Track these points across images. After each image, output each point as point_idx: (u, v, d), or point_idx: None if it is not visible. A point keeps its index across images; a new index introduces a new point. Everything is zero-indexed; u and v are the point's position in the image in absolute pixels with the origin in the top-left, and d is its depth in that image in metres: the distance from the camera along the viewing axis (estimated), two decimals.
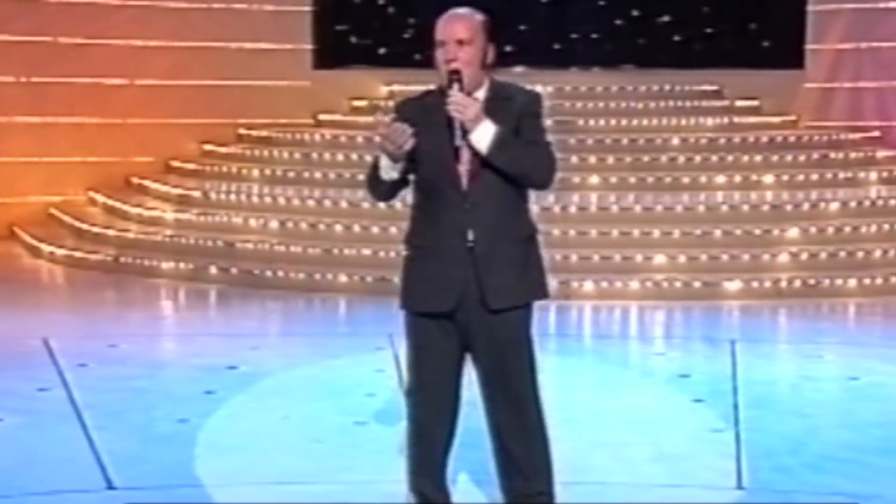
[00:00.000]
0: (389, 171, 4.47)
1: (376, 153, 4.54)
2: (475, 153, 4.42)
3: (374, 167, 4.52)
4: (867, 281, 9.91)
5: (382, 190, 4.54)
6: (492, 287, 4.45)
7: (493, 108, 4.45)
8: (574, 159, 11.81)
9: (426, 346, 4.56)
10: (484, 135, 4.39)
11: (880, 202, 11.10)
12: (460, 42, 4.47)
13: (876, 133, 12.81)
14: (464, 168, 4.45)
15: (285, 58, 13.51)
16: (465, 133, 4.40)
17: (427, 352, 4.57)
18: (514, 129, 4.43)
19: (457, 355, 4.56)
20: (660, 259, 10.16)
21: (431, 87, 4.70)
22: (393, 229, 10.70)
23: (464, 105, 4.39)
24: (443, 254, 4.48)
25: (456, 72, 4.45)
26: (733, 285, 9.85)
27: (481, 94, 4.50)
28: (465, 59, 4.45)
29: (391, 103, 13.49)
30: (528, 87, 4.69)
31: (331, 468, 5.76)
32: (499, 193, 4.45)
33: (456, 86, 4.44)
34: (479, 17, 4.54)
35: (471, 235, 4.44)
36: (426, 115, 4.50)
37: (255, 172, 12.29)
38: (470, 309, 4.47)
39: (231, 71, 13.21)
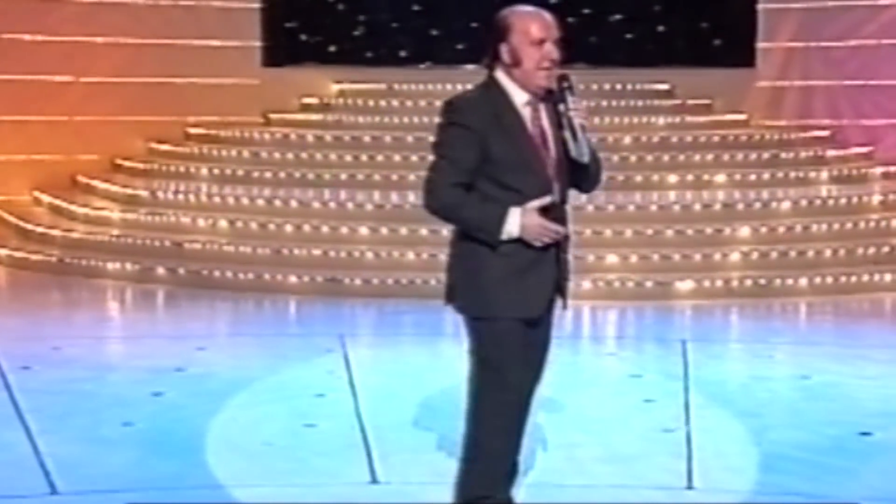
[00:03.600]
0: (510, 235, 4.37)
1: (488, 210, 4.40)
2: (559, 159, 4.41)
3: (480, 218, 4.40)
4: (818, 280, 9.94)
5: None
6: (566, 286, 4.60)
7: (555, 110, 4.42)
8: None
9: (514, 351, 4.50)
10: (584, 141, 4.38)
11: (831, 201, 11.15)
12: (556, 41, 4.38)
13: (826, 132, 12.87)
14: (552, 173, 4.41)
15: (234, 55, 13.38)
16: (574, 138, 4.36)
17: (514, 357, 4.51)
18: None
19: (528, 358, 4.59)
20: (612, 259, 10.14)
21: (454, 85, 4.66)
22: (344, 229, 10.65)
23: (582, 110, 4.36)
24: (535, 259, 4.42)
25: (566, 77, 4.38)
26: (685, 285, 9.85)
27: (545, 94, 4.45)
28: (556, 59, 4.38)
29: (342, 101, 13.46)
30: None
31: (279, 471, 5.68)
32: (567, 195, 4.51)
33: (568, 93, 4.36)
34: None
35: (554, 247, 4.46)
36: (498, 119, 4.37)
37: (204, 171, 12.16)
38: (548, 310, 4.56)
39: (179, 68, 13.06)
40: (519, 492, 5.29)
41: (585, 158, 4.39)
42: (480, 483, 4.61)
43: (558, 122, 4.42)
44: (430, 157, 4.52)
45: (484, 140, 4.35)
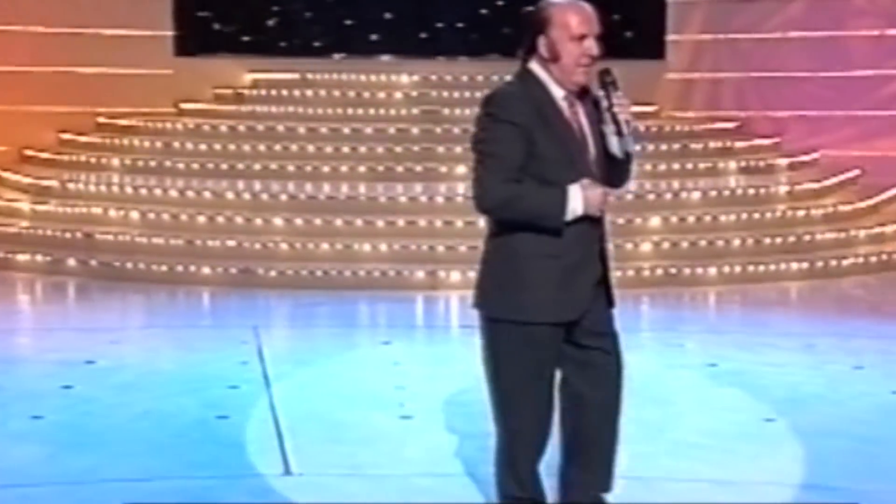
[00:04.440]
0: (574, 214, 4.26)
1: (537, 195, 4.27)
2: (598, 154, 4.34)
3: (540, 203, 4.27)
4: (726, 269, 10.11)
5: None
6: (611, 285, 4.50)
7: (594, 107, 4.37)
8: (440, 149, 11.83)
9: (547, 354, 4.41)
10: (631, 138, 4.30)
11: (739, 192, 11.34)
12: (597, 37, 4.27)
13: (734, 123, 13.09)
14: (594, 168, 4.32)
15: (146, 44, 13.25)
16: (620, 134, 4.28)
17: (540, 362, 4.42)
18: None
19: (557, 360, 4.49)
20: None
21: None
22: (258, 220, 10.60)
23: (627, 105, 4.26)
24: (580, 260, 4.33)
25: (608, 72, 4.28)
26: None
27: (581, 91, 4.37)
28: (595, 55, 4.27)
29: (255, 91, 13.39)
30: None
31: (192, 463, 5.66)
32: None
33: (611, 88, 4.27)
34: None
35: (599, 238, 4.43)
36: (540, 113, 4.25)
37: (115, 162, 12.03)
38: (591, 310, 4.41)
39: (90, 57, 12.90)
40: (435, 481, 5.36)
41: (630, 153, 4.33)
42: (509, 484, 4.62)
43: (598, 117, 4.33)
44: (473, 154, 4.35)
45: (529, 135, 4.21)
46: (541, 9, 4.31)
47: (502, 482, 4.64)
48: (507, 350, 4.42)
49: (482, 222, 11.56)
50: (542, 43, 4.28)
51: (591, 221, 4.34)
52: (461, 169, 11.53)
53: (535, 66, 4.34)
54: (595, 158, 4.34)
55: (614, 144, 4.32)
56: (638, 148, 4.51)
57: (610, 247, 4.59)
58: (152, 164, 11.85)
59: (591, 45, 4.23)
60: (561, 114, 4.28)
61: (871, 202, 11.90)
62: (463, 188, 11.23)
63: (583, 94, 4.36)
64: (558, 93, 4.32)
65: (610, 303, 4.51)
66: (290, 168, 11.53)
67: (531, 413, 4.52)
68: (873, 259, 10.63)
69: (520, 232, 4.33)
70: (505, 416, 4.56)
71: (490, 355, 4.50)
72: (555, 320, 4.35)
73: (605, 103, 4.29)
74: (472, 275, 10.30)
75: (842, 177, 12.31)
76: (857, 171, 12.59)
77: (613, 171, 4.42)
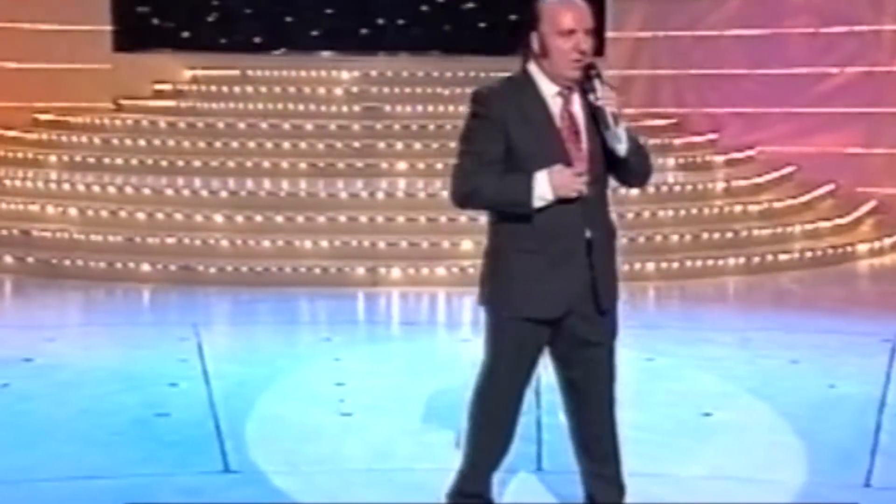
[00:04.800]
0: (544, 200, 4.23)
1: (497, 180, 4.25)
2: (595, 149, 4.27)
3: (504, 190, 4.25)
4: (664, 265, 10.21)
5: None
6: (603, 287, 4.32)
7: (588, 102, 4.29)
8: (381, 145, 11.84)
9: (521, 352, 4.39)
10: (622, 131, 4.24)
11: (677, 188, 11.45)
12: (587, 32, 4.23)
13: (673, 120, 13.21)
14: (582, 166, 4.25)
15: (84, 39, 13.14)
16: (607, 127, 4.22)
17: (519, 357, 4.41)
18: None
19: (538, 359, 4.46)
20: (466, 245, 10.25)
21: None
22: (198, 217, 10.56)
23: (616, 98, 4.22)
24: (559, 256, 4.27)
25: (593, 66, 4.24)
26: None
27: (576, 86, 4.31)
28: (588, 50, 4.23)
29: (195, 87, 13.33)
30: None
31: (131, 461, 5.63)
32: (603, 190, 4.33)
33: (597, 81, 4.22)
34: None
35: (588, 234, 4.28)
36: (521, 110, 4.24)
37: (53, 158, 11.93)
38: (578, 312, 4.31)
39: (27, 52, 12.77)
40: (372, 477, 5.37)
41: (622, 147, 4.26)
42: (466, 479, 4.57)
43: (592, 113, 4.30)
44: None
45: (505, 130, 4.22)
46: (534, 6, 4.33)
47: (463, 478, 4.62)
48: (489, 341, 4.47)
49: (423, 219, 11.64)
50: (534, 39, 4.30)
51: (578, 213, 4.26)
52: (402, 165, 11.57)
53: (531, 63, 4.36)
54: (591, 153, 4.30)
55: (608, 139, 4.31)
56: (641, 141, 4.43)
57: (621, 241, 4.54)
58: (91, 160, 11.77)
59: (581, 40, 4.22)
60: (546, 110, 4.28)
61: (806, 198, 12.08)
62: (403, 184, 11.25)
63: (585, 89, 4.32)
64: (550, 89, 4.31)
65: (598, 307, 4.34)
66: (231, 164, 11.49)
67: (503, 411, 4.53)
68: (809, 254, 10.79)
69: (504, 226, 4.35)
70: (481, 410, 4.55)
71: (484, 346, 4.55)
72: (530, 315, 4.32)
73: (591, 97, 4.29)
74: (413, 271, 10.44)
75: (778, 173, 12.48)
76: (793, 168, 12.77)
77: (618, 168, 4.36)
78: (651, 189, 11.27)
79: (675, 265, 10.23)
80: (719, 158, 12.55)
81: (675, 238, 10.58)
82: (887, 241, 11.59)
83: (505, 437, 4.57)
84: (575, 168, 4.23)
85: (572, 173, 4.22)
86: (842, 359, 7.62)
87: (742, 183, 11.89)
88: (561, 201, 4.23)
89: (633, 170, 4.37)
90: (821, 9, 12.99)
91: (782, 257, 10.63)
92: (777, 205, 11.64)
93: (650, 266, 10.17)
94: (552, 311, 4.31)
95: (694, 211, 11.04)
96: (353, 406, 6.48)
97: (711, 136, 13.03)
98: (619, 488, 4.65)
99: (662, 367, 7.44)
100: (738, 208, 11.29)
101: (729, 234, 10.77)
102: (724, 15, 13.24)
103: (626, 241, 10.45)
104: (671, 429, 6.18)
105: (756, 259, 10.50)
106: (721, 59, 13.21)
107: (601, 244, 4.33)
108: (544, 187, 4.21)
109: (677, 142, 12.68)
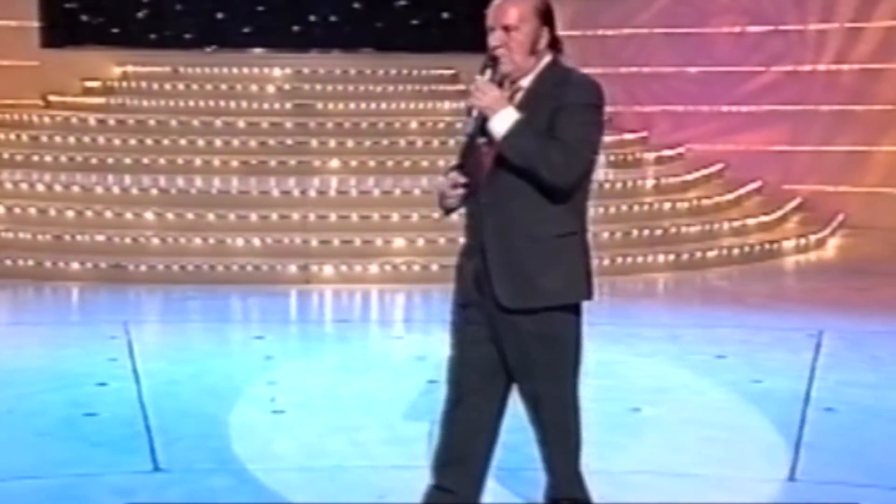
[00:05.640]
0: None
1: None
2: (493, 144, 4.18)
3: None
4: (595, 262, 10.18)
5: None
6: (503, 287, 4.25)
7: (532, 97, 4.20)
8: (314, 143, 11.83)
9: (456, 338, 4.43)
10: (502, 123, 4.12)
11: (607, 185, 11.55)
12: (506, 28, 4.20)
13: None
14: (486, 160, 4.21)
15: (11, 35, 12.98)
16: (485, 121, 4.17)
17: (456, 345, 4.43)
18: (550, 122, 4.12)
19: (492, 346, 4.38)
20: (399, 242, 10.28)
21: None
22: (128, 215, 10.48)
23: (483, 91, 4.15)
24: (470, 249, 4.32)
25: (493, 58, 4.19)
26: None
27: (527, 81, 4.24)
28: (511, 45, 4.18)
29: (125, 84, 13.20)
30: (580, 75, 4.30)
31: (57, 461, 5.58)
32: (517, 188, 4.17)
33: (488, 72, 4.18)
34: (531, 1, 4.25)
35: (484, 237, 4.25)
36: (468, 110, 4.25)
37: None
38: (489, 305, 4.29)
39: None
40: (302, 476, 5.37)
41: (498, 135, 4.14)
42: (431, 466, 4.56)
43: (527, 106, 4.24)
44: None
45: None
46: None
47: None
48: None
49: (355, 216, 11.63)
50: None
51: (479, 215, 4.26)
52: (335, 163, 11.55)
53: None
54: (489, 148, 4.26)
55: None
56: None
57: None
58: (18, 157, 11.63)
59: (494, 36, 4.25)
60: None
61: (734, 195, 12.24)
62: (335, 182, 11.24)
63: (536, 85, 4.27)
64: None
65: (497, 303, 4.29)
66: (162, 162, 11.41)
67: (459, 401, 4.51)
68: (736, 251, 10.93)
69: None
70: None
71: None
72: (456, 300, 4.42)
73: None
74: (345, 269, 10.41)
75: (706, 171, 12.63)
76: (720, 165, 12.93)
77: (507, 158, 4.28)
78: None
79: (606, 262, 10.29)
80: (649, 156, 12.68)
81: (605, 235, 10.67)
82: (813, 238, 11.78)
83: (450, 428, 4.54)
84: (456, 177, 4.26)
85: (443, 181, 4.30)
86: (768, 354, 7.73)
87: (671, 180, 12.02)
88: (472, 198, 4.26)
89: (515, 163, 4.19)
90: (747, 8, 13.16)
91: (710, 254, 10.76)
92: (705, 202, 11.78)
93: None
94: (464, 297, 4.39)
95: (624, 208, 11.15)
96: (285, 404, 6.47)
97: (641, 134, 13.15)
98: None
99: (593, 363, 7.45)
100: (667, 205, 11.42)
101: (658, 231, 10.89)
102: (653, 13, 13.37)
103: None
104: (602, 424, 6.20)
105: (685, 256, 10.62)
106: (650, 58, 13.34)
107: (500, 244, 4.26)
108: (436, 193, 4.36)
109: (607, 139, 12.75)
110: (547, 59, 4.30)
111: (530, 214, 4.22)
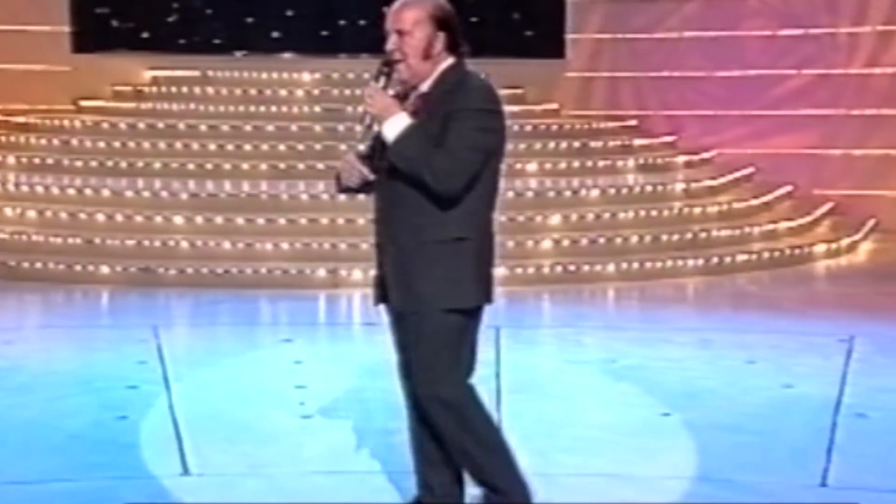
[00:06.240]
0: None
1: None
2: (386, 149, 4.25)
3: None
4: (624, 266, 10.26)
5: None
6: (392, 289, 4.36)
7: (426, 102, 4.24)
8: (342, 147, 11.77)
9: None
10: (392, 128, 4.18)
11: (637, 189, 11.51)
12: (400, 32, 4.24)
13: (633, 122, 13.28)
14: (382, 164, 4.27)
15: (43, 40, 13.06)
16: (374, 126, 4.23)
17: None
18: (442, 128, 4.16)
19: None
20: None
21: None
22: (158, 218, 10.52)
23: (374, 97, 4.21)
24: (378, 241, 4.43)
25: (387, 63, 4.25)
26: (498, 271, 9.90)
27: (425, 86, 4.28)
28: (405, 50, 4.23)
29: (155, 89, 13.27)
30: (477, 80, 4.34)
31: (89, 464, 5.60)
32: (406, 192, 4.22)
33: (383, 79, 4.24)
34: (427, 5, 4.26)
35: (381, 235, 4.36)
36: None
37: (12, 160, 11.83)
38: (392, 306, 4.43)
39: None
40: (333, 479, 5.36)
41: (388, 140, 4.22)
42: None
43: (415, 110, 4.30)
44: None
45: None
46: None
47: None
48: None
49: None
50: None
51: (381, 214, 4.35)
52: None
53: None
54: (383, 153, 4.35)
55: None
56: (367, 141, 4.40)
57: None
58: (50, 161, 11.69)
59: (389, 40, 4.30)
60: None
61: (764, 199, 12.17)
62: None
63: (433, 90, 4.31)
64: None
65: (394, 300, 4.41)
66: (191, 166, 11.44)
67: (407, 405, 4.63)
68: (766, 255, 10.88)
69: None
70: None
71: None
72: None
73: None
74: (374, 272, 10.39)
75: (736, 175, 12.57)
76: (751, 169, 12.88)
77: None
78: (611, 191, 11.35)
79: (635, 266, 10.28)
80: (679, 160, 12.63)
81: (634, 239, 10.64)
82: (844, 242, 11.71)
83: (412, 429, 4.65)
84: (360, 168, 4.34)
85: (349, 168, 4.37)
86: (799, 359, 7.68)
87: (701, 184, 11.97)
88: (376, 203, 4.38)
89: (402, 169, 4.24)
90: (778, 11, 13.10)
91: (740, 258, 10.71)
92: (735, 206, 11.73)
93: (610, 267, 10.22)
94: (374, 299, 4.52)
95: (654, 212, 11.11)
96: (314, 408, 6.47)
97: (671, 138, 13.11)
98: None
99: (623, 367, 7.47)
100: (697, 210, 11.37)
101: (688, 236, 10.84)
102: (684, 17, 13.33)
103: (587, 243, 10.53)
104: (632, 429, 6.21)
105: (714, 260, 10.57)
106: (680, 62, 13.30)
107: (394, 246, 4.34)
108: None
109: (637, 143, 12.75)
110: (445, 63, 4.31)
111: (419, 219, 4.26)
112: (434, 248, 4.27)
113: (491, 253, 4.45)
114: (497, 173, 4.42)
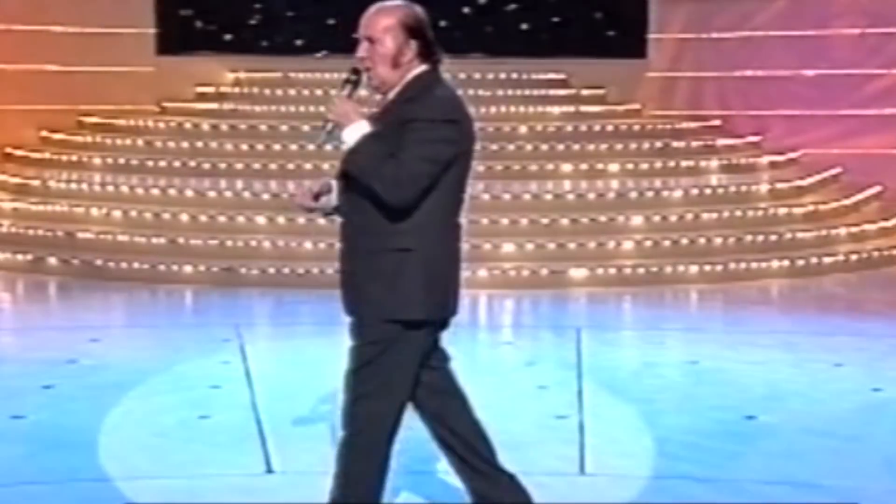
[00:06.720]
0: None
1: None
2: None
3: None
4: (707, 268, 10.14)
5: None
6: (343, 296, 4.33)
7: (388, 111, 4.22)
8: None
9: None
10: (350, 136, 4.17)
11: (720, 190, 11.37)
12: (370, 39, 4.21)
13: (716, 122, 13.13)
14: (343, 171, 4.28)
15: (128, 43, 13.22)
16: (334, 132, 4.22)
17: None
18: (399, 138, 4.11)
19: None
20: (508, 247, 10.24)
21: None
22: (240, 219, 10.60)
23: (336, 104, 4.21)
24: (340, 254, 4.40)
25: (355, 70, 4.25)
26: (579, 273, 9.98)
27: (392, 94, 4.26)
28: (374, 58, 4.20)
29: (237, 90, 13.39)
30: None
31: (173, 463, 5.66)
32: (360, 201, 4.19)
33: (349, 87, 4.25)
34: (398, 13, 4.22)
35: (340, 241, 4.34)
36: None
37: (97, 161, 12.00)
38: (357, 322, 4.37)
39: (72, 56, 12.87)
40: (413, 479, 5.36)
41: (346, 148, 4.21)
42: None
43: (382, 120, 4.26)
44: None
45: None
46: None
47: None
48: None
49: (464, 221, 11.58)
50: None
51: (345, 208, 4.30)
52: None
53: None
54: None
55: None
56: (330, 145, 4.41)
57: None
58: (134, 162, 11.83)
59: (359, 48, 4.26)
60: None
61: (851, 200, 11.96)
62: None
63: (396, 98, 4.26)
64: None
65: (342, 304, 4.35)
66: (273, 167, 11.52)
67: None
68: (854, 257, 10.69)
69: None
70: None
71: None
72: None
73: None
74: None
75: (823, 175, 12.37)
76: (837, 170, 12.65)
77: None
78: (694, 191, 11.22)
79: (719, 268, 10.16)
80: (763, 160, 12.46)
81: (718, 241, 10.51)
82: None
83: None
84: (309, 193, 4.40)
85: (301, 191, 4.43)
86: (887, 363, 7.55)
87: (786, 185, 11.79)
88: (340, 208, 4.33)
89: (355, 178, 4.22)
90: (867, 10, 12.87)
91: (826, 260, 10.54)
92: (822, 207, 11.54)
93: (693, 269, 10.11)
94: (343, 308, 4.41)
95: (738, 213, 10.97)
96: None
97: (755, 139, 12.93)
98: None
99: (707, 370, 7.39)
100: (782, 211, 11.20)
101: (773, 237, 10.69)
102: (769, 16, 13.14)
103: (669, 244, 10.42)
104: (716, 432, 6.13)
105: (800, 262, 10.41)
106: (765, 61, 13.11)
107: (349, 253, 4.30)
108: None
109: (721, 143, 12.60)
110: (415, 72, 4.25)
111: (372, 227, 4.21)
112: (381, 257, 4.21)
113: (447, 265, 4.34)
114: (461, 183, 4.31)
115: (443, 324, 4.41)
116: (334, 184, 4.37)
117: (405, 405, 4.40)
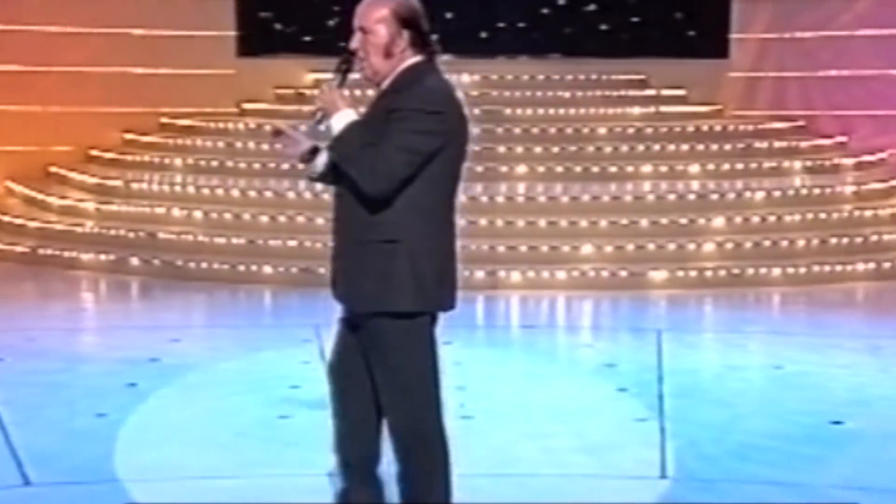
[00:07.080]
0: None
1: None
2: None
3: None
4: (791, 270, 9.99)
5: None
6: (339, 287, 4.29)
7: (377, 102, 4.22)
8: (501, 149, 11.79)
9: (337, 339, 4.49)
10: (336, 124, 4.17)
11: (804, 191, 11.20)
12: (363, 29, 4.22)
13: (800, 122, 12.94)
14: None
15: (209, 45, 13.34)
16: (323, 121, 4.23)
17: (336, 344, 4.50)
18: (384, 127, 4.09)
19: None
20: (587, 249, 10.17)
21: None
22: (319, 220, 10.61)
23: (324, 92, 4.22)
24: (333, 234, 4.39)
25: (346, 60, 4.25)
26: (659, 275, 9.88)
27: (384, 85, 4.25)
28: (366, 48, 4.20)
29: (317, 91, 13.44)
30: (449, 80, 4.31)
31: (254, 462, 5.69)
32: (347, 191, 4.18)
33: (339, 76, 4.25)
34: (391, 3, 4.21)
35: (335, 232, 4.31)
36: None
37: (178, 162, 12.11)
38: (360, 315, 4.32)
39: (153, 58, 13.00)
40: (493, 482, 5.34)
41: (307, 130, 4.29)
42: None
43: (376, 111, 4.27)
44: None
45: None
46: None
47: None
48: None
49: (543, 222, 11.55)
50: None
51: (336, 198, 4.26)
52: (522, 169, 11.51)
53: None
54: None
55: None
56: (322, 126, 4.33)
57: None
58: (215, 163, 11.93)
59: (353, 38, 4.25)
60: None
61: None
62: (522, 188, 11.20)
63: (387, 87, 4.24)
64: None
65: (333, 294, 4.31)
66: None
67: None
68: None
69: None
70: None
71: None
72: None
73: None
74: (532, 275, 10.36)
75: None
76: None
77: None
78: (777, 193, 11.06)
79: (802, 270, 10.01)
80: (848, 161, 12.25)
81: (801, 243, 10.35)
82: None
83: (340, 432, 4.62)
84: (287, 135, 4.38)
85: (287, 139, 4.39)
86: None
87: (872, 187, 11.58)
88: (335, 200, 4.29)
89: (339, 166, 4.20)
90: None
91: None
92: None
93: (776, 271, 9.96)
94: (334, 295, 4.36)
95: (822, 215, 10.79)
96: (474, 410, 6.44)
97: (840, 139, 12.72)
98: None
99: (791, 374, 7.27)
100: (867, 212, 11.00)
101: (858, 239, 10.50)
102: (855, 15, 12.91)
103: (751, 246, 10.28)
104: (801, 437, 6.03)
105: (886, 265, 10.22)
106: (850, 60, 12.88)
107: (341, 243, 4.26)
108: None
109: (804, 144, 12.41)
110: (408, 63, 4.22)
111: (358, 218, 4.17)
112: (367, 248, 4.18)
113: (440, 260, 4.29)
114: (451, 176, 4.24)
115: (433, 318, 4.42)
116: (325, 153, 4.31)
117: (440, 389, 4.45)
